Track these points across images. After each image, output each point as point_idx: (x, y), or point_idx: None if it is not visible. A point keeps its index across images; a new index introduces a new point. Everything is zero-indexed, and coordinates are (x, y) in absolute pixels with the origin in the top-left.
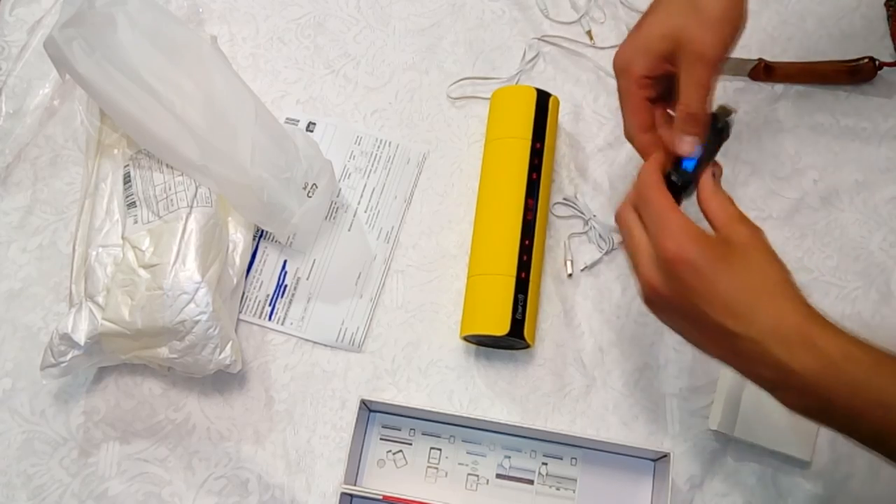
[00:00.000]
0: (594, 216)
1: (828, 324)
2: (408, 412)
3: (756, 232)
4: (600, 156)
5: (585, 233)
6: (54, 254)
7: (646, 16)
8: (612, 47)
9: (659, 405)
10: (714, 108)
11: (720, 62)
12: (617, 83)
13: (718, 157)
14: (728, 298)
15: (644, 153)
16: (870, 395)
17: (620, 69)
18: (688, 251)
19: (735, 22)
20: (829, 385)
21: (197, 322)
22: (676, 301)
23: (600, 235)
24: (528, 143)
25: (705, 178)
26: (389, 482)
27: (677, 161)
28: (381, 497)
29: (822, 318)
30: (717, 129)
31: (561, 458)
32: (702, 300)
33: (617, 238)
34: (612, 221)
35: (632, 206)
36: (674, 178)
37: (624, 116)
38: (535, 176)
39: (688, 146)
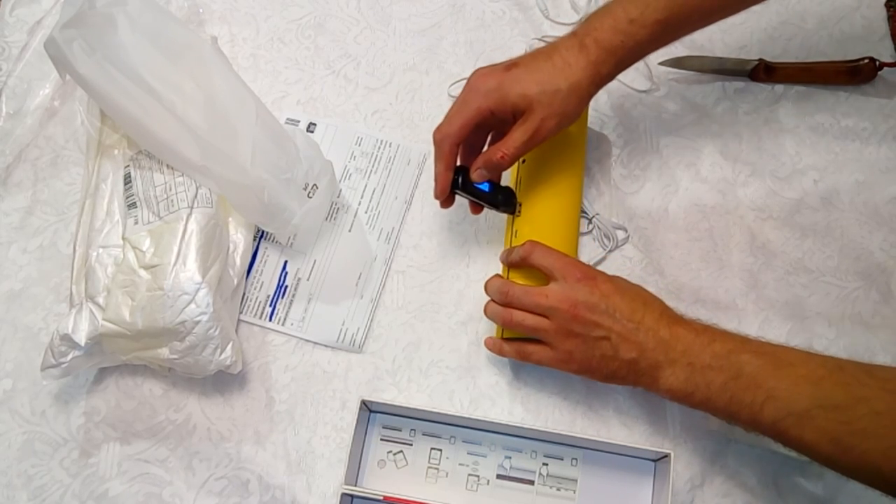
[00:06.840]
0: (597, 214)
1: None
2: (408, 413)
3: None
4: (603, 155)
5: (589, 231)
6: (55, 254)
7: (518, 65)
8: None
9: (659, 406)
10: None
11: (543, 140)
12: (463, 93)
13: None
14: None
15: (441, 142)
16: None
17: (475, 87)
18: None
19: (570, 120)
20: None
21: (197, 323)
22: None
23: (604, 235)
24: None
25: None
26: (390, 483)
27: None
28: (381, 497)
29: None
30: (499, 200)
31: (561, 459)
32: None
33: (621, 236)
34: (615, 220)
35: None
36: (460, 176)
37: (449, 116)
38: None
39: (477, 176)
